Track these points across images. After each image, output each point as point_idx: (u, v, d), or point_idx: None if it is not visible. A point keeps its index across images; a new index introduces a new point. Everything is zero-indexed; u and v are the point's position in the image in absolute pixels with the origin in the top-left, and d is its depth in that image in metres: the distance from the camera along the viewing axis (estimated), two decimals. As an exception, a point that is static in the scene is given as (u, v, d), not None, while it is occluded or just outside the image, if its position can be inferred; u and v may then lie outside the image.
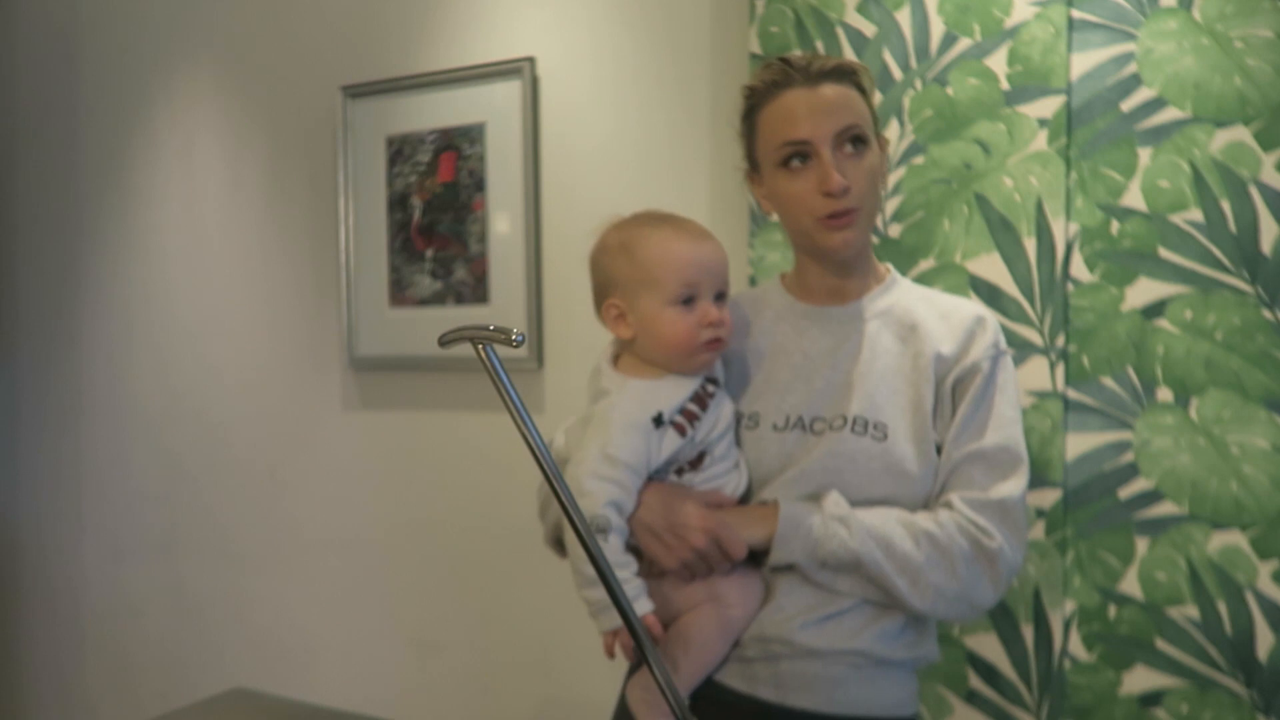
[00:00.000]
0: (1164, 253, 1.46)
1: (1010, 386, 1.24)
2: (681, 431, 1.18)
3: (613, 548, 1.16)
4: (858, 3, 1.65)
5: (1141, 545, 1.48)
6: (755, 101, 1.26)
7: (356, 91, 2.27)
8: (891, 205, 1.62)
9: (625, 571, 1.16)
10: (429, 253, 2.20)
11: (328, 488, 2.41)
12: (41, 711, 2.91)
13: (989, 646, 1.57)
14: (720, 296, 1.20)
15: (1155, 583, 1.47)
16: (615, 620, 1.14)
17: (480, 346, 0.86)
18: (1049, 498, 1.52)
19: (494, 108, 2.11)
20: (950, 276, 1.58)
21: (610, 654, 1.16)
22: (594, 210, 1.97)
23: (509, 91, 2.09)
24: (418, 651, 2.29)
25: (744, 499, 1.24)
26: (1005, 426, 1.21)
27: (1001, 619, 1.56)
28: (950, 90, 1.58)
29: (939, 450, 1.22)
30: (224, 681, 2.34)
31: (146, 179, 2.66)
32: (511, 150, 2.09)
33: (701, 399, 1.21)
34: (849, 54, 1.65)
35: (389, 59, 2.26)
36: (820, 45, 1.67)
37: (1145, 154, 1.47)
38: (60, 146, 2.81)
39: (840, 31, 1.66)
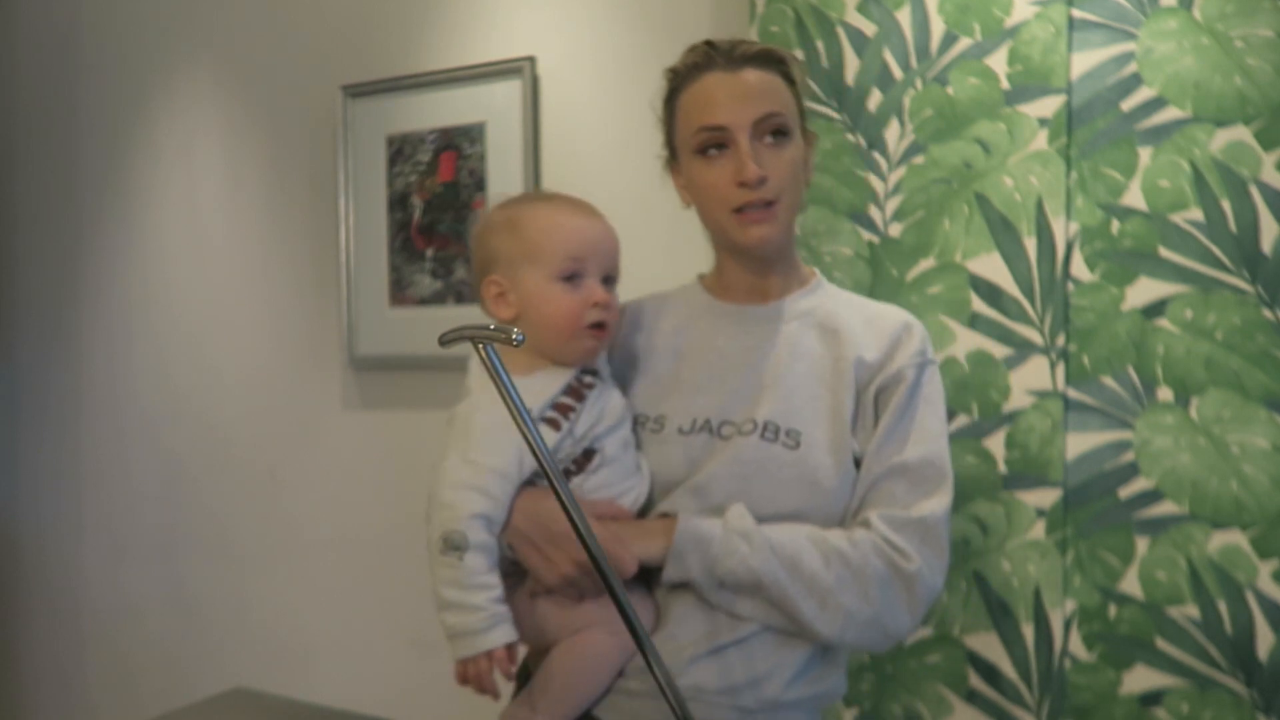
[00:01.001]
0: (1164, 252, 1.46)
1: (937, 398, 1.17)
2: (555, 426, 1.09)
3: (470, 568, 1.05)
4: (858, 2, 1.64)
5: (1142, 545, 1.48)
6: (676, 85, 1.19)
7: (357, 91, 2.27)
8: (892, 205, 1.62)
9: (483, 596, 1.05)
10: (429, 252, 2.20)
11: (328, 487, 2.41)
12: (42, 711, 2.91)
13: (989, 646, 1.57)
14: (609, 280, 1.13)
15: (1155, 582, 1.47)
16: (476, 646, 1.04)
17: (480, 346, 0.86)
18: (1049, 497, 1.52)
19: (494, 107, 2.11)
20: (950, 276, 1.58)
21: (463, 681, 1.06)
22: (594, 210, 1.97)
23: (509, 91, 2.09)
24: (418, 651, 2.29)
25: (647, 507, 1.15)
26: (930, 440, 1.13)
27: (1002, 618, 1.55)
28: (950, 90, 1.58)
29: (858, 462, 1.14)
30: (224, 681, 2.33)
31: (146, 179, 2.66)
32: (512, 150, 2.09)
33: (577, 391, 1.12)
34: (849, 54, 1.65)
35: (389, 58, 2.26)
36: (820, 45, 1.67)
37: (1145, 153, 1.47)
38: (60, 146, 2.81)
39: (840, 31, 1.66)
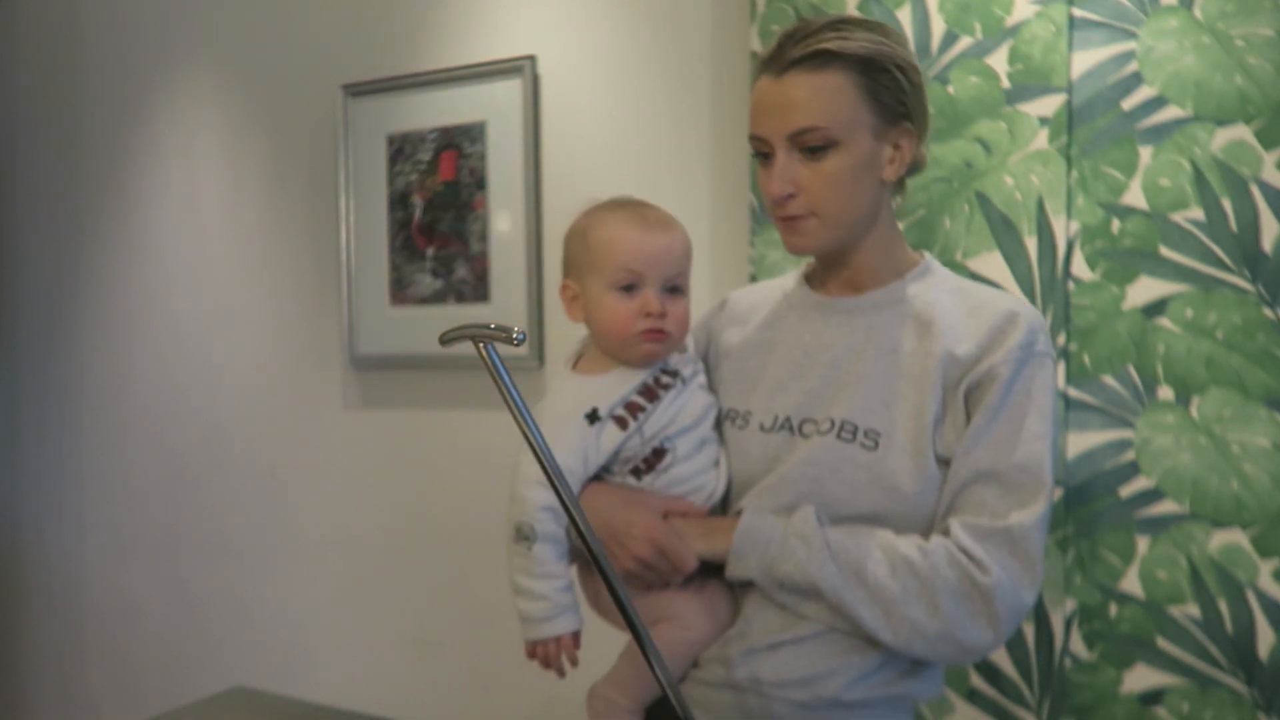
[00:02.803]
0: (1165, 251, 1.46)
1: (1043, 396, 1.07)
2: (623, 425, 1.12)
3: (538, 558, 1.10)
4: (858, 1, 1.64)
5: (1142, 544, 1.48)
6: (755, 74, 1.14)
7: (357, 90, 2.27)
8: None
9: (548, 585, 1.10)
10: (430, 251, 2.20)
11: (329, 486, 2.41)
12: (43, 710, 2.91)
13: (990, 645, 1.57)
14: (674, 289, 1.15)
15: (1156, 581, 1.47)
16: (541, 633, 1.10)
17: (481, 345, 0.86)
18: (1050, 496, 1.52)
19: (495, 106, 2.11)
20: (951, 275, 1.58)
21: (531, 657, 1.12)
22: (595, 209, 1.97)
23: (510, 90, 2.09)
24: (418, 650, 2.29)
25: (725, 503, 1.17)
26: (1028, 442, 1.05)
27: (1002, 617, 1.56)
28: (951, 89, 1.58)
29: (946, 463, 1.07)
30: (225, 680, 2.34)
31: (147, 178, 2.66)
32: (512, 149, 2.09)
33: (651, 391, 1.14)
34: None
35: (390, 57, 2.26)
36: (821, 44, 1.67)
37: (1146, 152, 1.47)
38: (60, 146, 2.81)
39: (841, 30, 1.65)
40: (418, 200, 2.21)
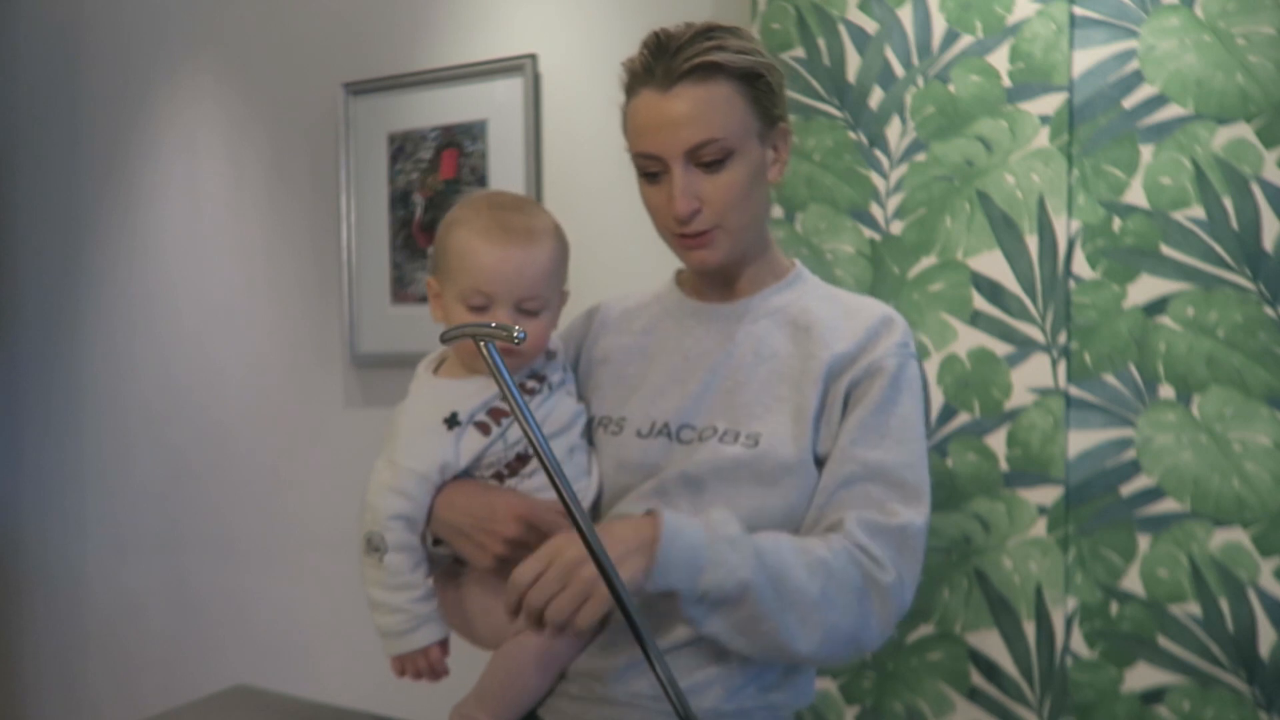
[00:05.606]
0: (1166, 250, 1.46)
1: (919, 396, 1.09)
2: (485, 430, 1.09)
3: (391, 569, 1.07)
4: (859, 1, 1.64)
5: (1143, 542, 1.48)
6: (627, 87, 1.11)
7: (358, 88, 2.27)
8: (894, 202, 1.62)
9: (404, 597, 1.07)
10: (431, 249, 2.20)
11: (330, 485, 2.41)
12: (44, 708, 2.92)
13: (991, 643, 1.57)
14: (526, 310, 1.10)
15: (1157, 580, 1.47)
16: (403, 646, 1.08)
17: (481, 344, 0.86)
18: (1051, 495, 1.52)
19: (496, 105, 2.11)
20: (952, 273, 1.58)
21: (400, 674, 1.10)
22: (596, 207, 1.97)
23: (511, 88, 2.09)
24: (419, 649, 2.29)
25: (596, 510, 1.14)
26: (911, 441, 1.06)
27: (1003, 616, 1.56)
28: (952, 87, 1.58)
29: (820, 461, 1.07)
30: (226, 678, 2.34)
31: (148, 176, 2.66)
32: (513, 147, 2.09)
33: None
34: (851, 51, 1.65)
35: (391, 56, 2.26)
36: (822, 42, 1.67)
37: (1147, 151, 1.47)
38: (61, 144, 2.81)
39: (842, 28, 1.65)
40: (419, 198, 2.21)
